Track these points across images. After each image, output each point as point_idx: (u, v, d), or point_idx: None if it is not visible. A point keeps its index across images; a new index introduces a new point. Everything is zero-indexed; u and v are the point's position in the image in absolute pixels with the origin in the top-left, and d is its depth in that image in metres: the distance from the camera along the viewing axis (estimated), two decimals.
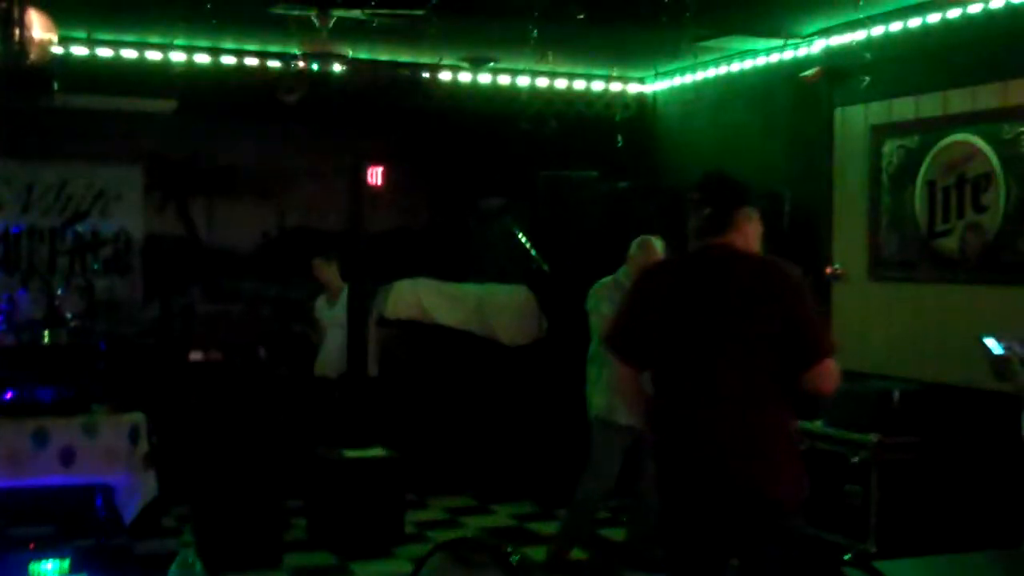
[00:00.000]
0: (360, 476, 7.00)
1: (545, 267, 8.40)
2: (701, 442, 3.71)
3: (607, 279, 6.74)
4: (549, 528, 7.69)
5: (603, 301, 6.55)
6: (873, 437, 6.45)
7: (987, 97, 6.47)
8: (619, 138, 9.05)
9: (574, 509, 6.80)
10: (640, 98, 9.45)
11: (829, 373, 3.82)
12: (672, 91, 9.26)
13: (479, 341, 8.90)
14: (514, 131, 8.84)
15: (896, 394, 6.60)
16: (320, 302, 8.15)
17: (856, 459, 6.53)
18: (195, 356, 6.58)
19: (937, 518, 6.34)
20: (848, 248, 7.47)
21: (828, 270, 7.53)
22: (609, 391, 6.23)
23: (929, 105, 6.84)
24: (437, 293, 8.98)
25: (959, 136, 6.65)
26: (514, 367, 8.83)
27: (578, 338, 8.56)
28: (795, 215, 7.88)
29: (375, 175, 9.70)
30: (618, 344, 3.94)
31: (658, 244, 6.53)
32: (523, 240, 8.59)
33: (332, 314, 8.01)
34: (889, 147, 7.14)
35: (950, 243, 6.71)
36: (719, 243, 3.87)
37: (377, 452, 7.15)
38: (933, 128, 6.81)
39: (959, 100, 6.64)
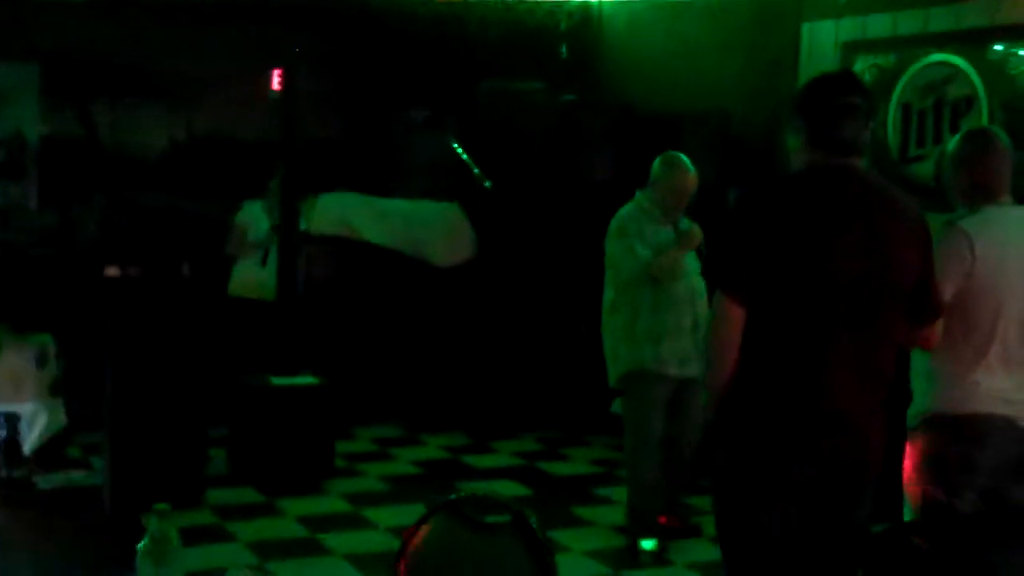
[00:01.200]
0: (288, 405, 6.45)
1: (487, 184, 7.84)
2: (817, 401, 3.11)
3: (626, 209, 5.67)
4: (484, 461, 7.26)
5: (635, 239, 5.47)
6: None
7: (974, 15, 6.07)
8: (563, 48, 8.49)
9: (637, 493, 5.58)
10: (585, 6, 8.88)
11: (937, 332, 3.36)
12: (620, 0, 8.71)
13: (408, 261, 8.36)
14: (451, 37, 8.25)
15: None
16: (253, 212, 7.40)
17: None
18: (111, 272, 5.90)
19: None
20: None
21: None
22: (659, 339, 5.47)
23: (908, 22, 6.42)
24: (365, 209, 8.39)
25: (940, 56, 6.26)
26: (445, 289, 8.32)
27: (521, 258, 8.12)
28: (750, 136, 7.47)
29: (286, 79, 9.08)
30: (738, 283, 3.11)
31: (687, 162, 5.69)
32: (461, 154, 8.01)
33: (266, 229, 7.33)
34: (861, 66, 6.72)
35: (924, 169, 6.35)
36: (857, 166, 3.21)
37: (306, 380, 6.60)
38: (911, 46, 6.41)
39: (941, 18, 6.24)
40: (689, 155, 7.98)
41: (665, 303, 5.48)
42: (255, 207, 7.49)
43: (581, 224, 8.20)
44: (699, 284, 5.52)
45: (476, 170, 7.88)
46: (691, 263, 5.56)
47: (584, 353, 8.31)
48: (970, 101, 6.07)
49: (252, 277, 7.19)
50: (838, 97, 3.19)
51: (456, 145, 8.02)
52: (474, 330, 8.18)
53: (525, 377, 8.13)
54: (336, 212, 8.24)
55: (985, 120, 5.98)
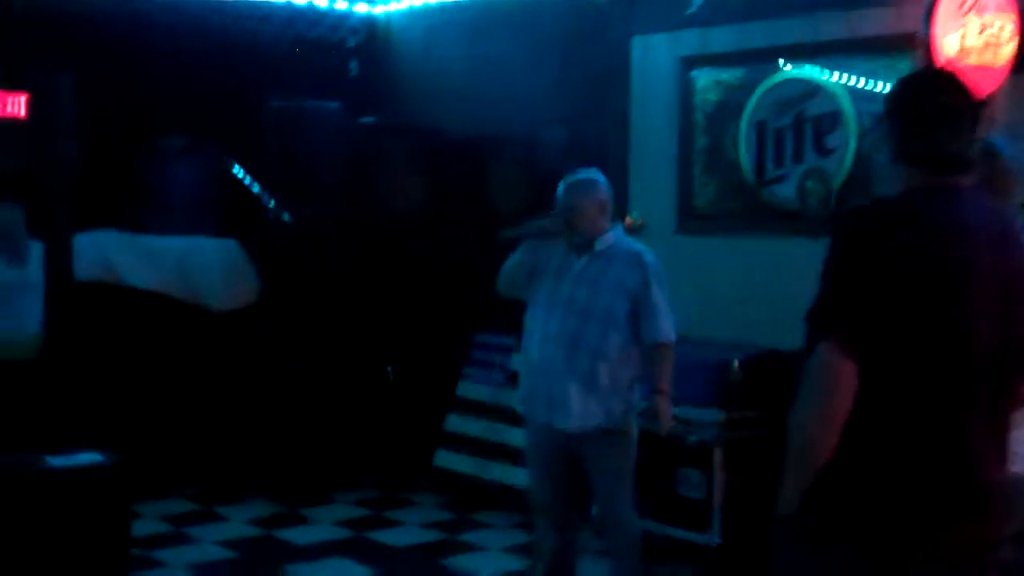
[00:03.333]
0: (72, 490, 5.23)
1: (286, 216, 6.86)
2: (962, 476, 2.50)
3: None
4: (303, 535, 6.28)
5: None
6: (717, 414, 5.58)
7: (830, 26, 5.72)
8: (352, 66, 7.63)
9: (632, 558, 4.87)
10: (371, 21, 8.05)
11: None
12: (412, 14, 7.93)
13: (183, 307, 7.25)
14: (231, 52, 7.23)
15: (735, 363, 5.75)
16: None
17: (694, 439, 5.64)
18: None
19: None
20: (649, 197, 6.54)
21: (627, 221, 6.57)
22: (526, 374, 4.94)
23: (757, 34, 6.01)
24: (130, 249, 7.22)
25: (797, 70, 5.87)
26: (229, 337, 7.26)
27: (318, 297, 7.17)
28: (576, 159, 6.87)
29: (14, 104, 7.83)
30: (850, 329, 2.49)
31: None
32: (249, 184, 6.99)
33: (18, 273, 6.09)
34: (704, 82, 6.27)
35: (785, 191, 5.94)
36: (969, 186, 2.61)
37: (91, 457, 5.39)
38: (761, 60, 6.00)
39: (794, 29, 5.85)
40: (497, 182, 7.26)
41: (534, 332, 4.82)
42: None
43: (386, 258, 7.37)
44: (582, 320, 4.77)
45: (271, 201, 6.88)
46: (583, 293, 4.82)
47: (395, 399, 7.48)
48: (835, 117, 5.70)
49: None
50: (937, 98, 2.56)
51: (242, 172, 6.99)
52: (266, 381, 7.17)
53: (330, 430, 7.20)
54: (95, 254, 7.01)
55: (854, 138, 5.63)
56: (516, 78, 7.13)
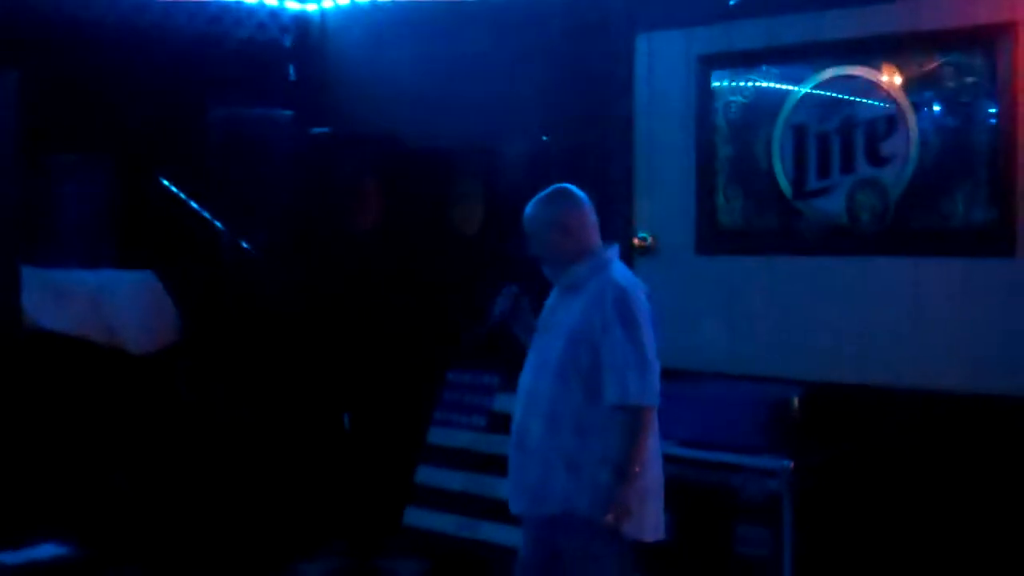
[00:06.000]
0: None
1: (242, 242, 5.82)
2: None
3: None
4: None
5: None
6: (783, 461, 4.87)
7: (887, 19, 5.10)
8: (291, 69, 6.65)
9: None
10: (303, 19, 7.07)
11: None
12: (354, 10, 6.97)
13: (97, 351, 6.14)
14: (154, 51, 6.16)
15: (794, 400, 5.07)
16: None
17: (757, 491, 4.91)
18: None
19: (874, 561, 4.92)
20: (661, 214, 5.81)
21: (635, 242, 5.83)
22: None
23: (793, 29, 5.36)
24: (39, 287, 6.04)
25: (843, 69, 5.24)
26: (155, 385, 6.20)
27: (262, 333, 6.17)
28: (567, 172, 6.09)
29: None
30: None
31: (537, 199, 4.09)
32: (190, 203, 5.93)
33: None
34: (728, 83, 5.58)
35: (831, 205, 5.29)
36: None
37: (51, 551, 4.30)
38: (800, 58, 5.35)
39: (843, 23, 5.22)
40: (470, 199, 6.47)
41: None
42: None
43: (342, 285, 6.42)
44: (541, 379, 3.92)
45: (217, 223, 5.84)
46: (544, 340, 3.98)
47: (353, 450, 6.51)
48: (891, 121, 5.09)
49: None
50: None
51: (176, 189, 5.91)
52: (202, 434, 6.12)
53: (281, 490, 6.20)
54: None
55: (916, 145, 5.02)
56: (494, 82, 6.29)
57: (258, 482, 6.14)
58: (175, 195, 5.83)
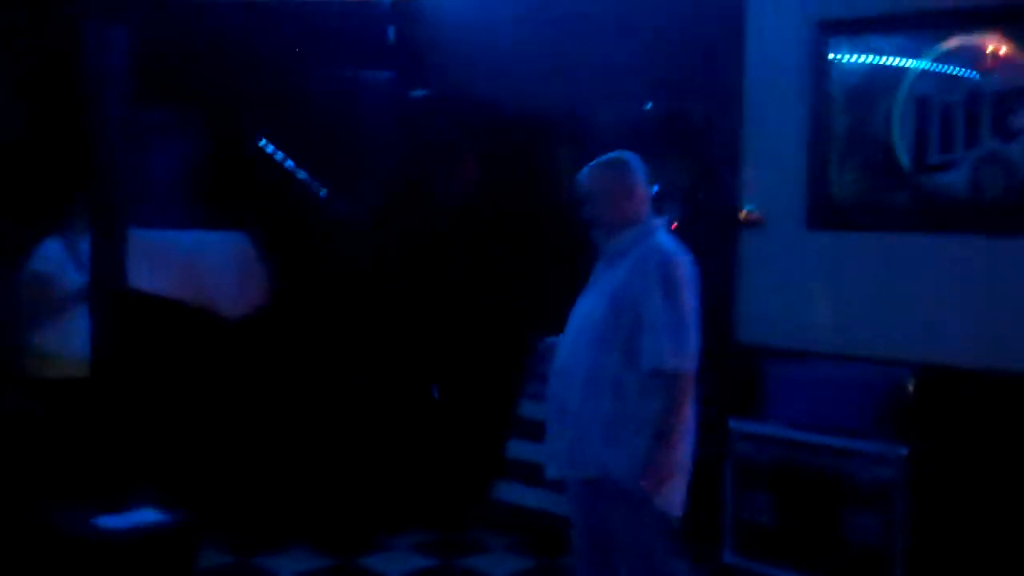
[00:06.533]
0: (132, 561, 4.08)
1: (341, 206, 5.71)
2: None
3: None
4: None
5: None
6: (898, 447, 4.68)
7: None
8: (390, 31, 6.50)
9: None
10: None
11: None
12: None
13: (190, 314, 6.08)
14: (244, 11, 6.04)
15: (910, 383, 4.86)
16: (51, 251, 5.02)
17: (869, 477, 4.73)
18: None
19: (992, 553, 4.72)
20: (770, 187, 5.60)
21: (741, 215, 5.64)
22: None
23: None
24: (137, 250, 5.99)
25: (971, 39, 4.99)
26: (244, 351, 6.12)
27: (358, 299, 6.08)
28: (672, 141, 5.92)
29: None
30: None
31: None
32: (287, 165, 5.82)
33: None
34: (846, 52, 5.34)
35: (954, 179, 5.05)
36: None
37: (150, 516, 4.24)
38: (927, 25, 5.10)
39: None
40: (569, 167, 6.30)
41: None
42: (55, 247, 5.10)
43: (435, 252, 6.29)
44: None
45: (316, 185, 5.73)
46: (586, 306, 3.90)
47: (442, 422, 6.41)
48: (1022, 94, 4.83)
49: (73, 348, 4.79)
50: None
51: (273, 150, 5.80)
52: (292, 405, 6.04)
53: (371, 462, 6.10)
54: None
55: None
56: (597, 46, 6.09)
57: (345, 451, 6.05)
58: (272, 156, 5.70)
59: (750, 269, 5.57)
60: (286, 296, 6.21)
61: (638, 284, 3.68)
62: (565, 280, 4.27)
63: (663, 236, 3.86)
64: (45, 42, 5.52)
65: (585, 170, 3.97)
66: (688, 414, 3.70)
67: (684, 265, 3.73)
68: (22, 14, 5.51)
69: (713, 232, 5.67)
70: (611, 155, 3.98)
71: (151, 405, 5.21)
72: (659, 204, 6.42)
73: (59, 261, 5.11)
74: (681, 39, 5.84)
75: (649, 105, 5.92)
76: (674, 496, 3.69)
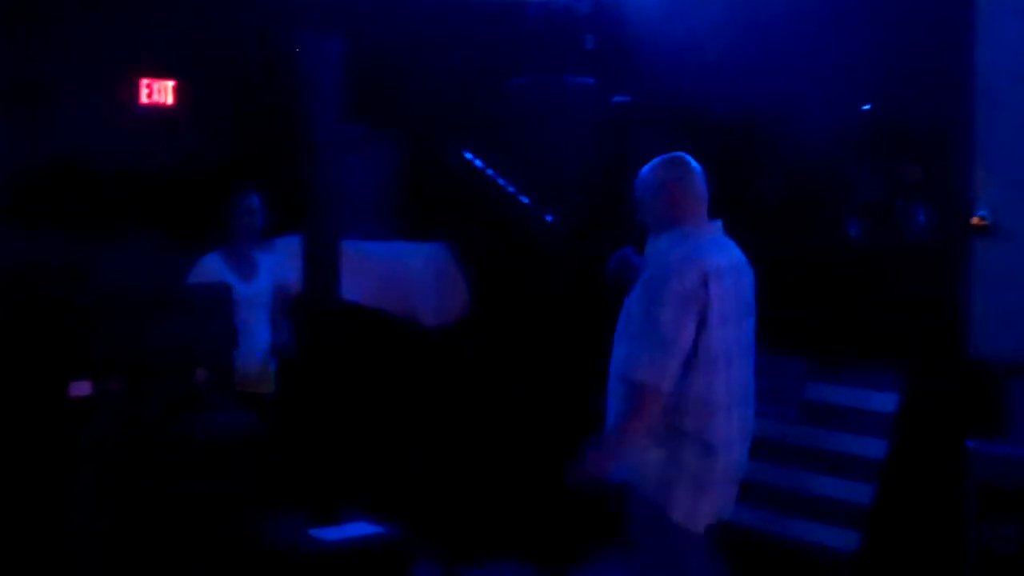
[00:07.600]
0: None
1: (546, 216, 5.57)
2: None
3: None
4: None
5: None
6: None
7: None
8: (588, 38, 6.33)
9: None
10: None
11: None
12: None
13: (391, 324, 6.05)
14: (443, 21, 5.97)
15: None
16: (212, 265, 5.02)
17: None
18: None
19: None
20: (1009, 191, 5.19)
21: (975, 221, 5.25)
22: None
23: None
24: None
25: None
26: (442, 358, 6.03)
27: (591, 310, 5.91)
28: (895, 143, 5.58)
29: (160, 91, 6.84)
30: None
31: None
32: (489, 174, 5.71)
33: (249, 289, 4.91)
34: None
35: None
36: None
37: (367, 529, 4.14)
38: None
39: None
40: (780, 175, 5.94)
41: None
42: (213, 261, 5.09)
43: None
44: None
45: (521, 196, 5.59)
46: None
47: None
48: None
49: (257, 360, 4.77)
50: None
51: (481, 164, 5.69)
52: (483, 419, 5.91)
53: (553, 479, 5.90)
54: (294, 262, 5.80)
55: None
56: (806, 45, 5.79)
57: (533, 469, 5.89)
58: (473, 166, 5.60)
59: (987, 279, 5.17)
60: (487, 307, 6.11)
61: (636, 292, 3.73)
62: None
63: (690, 244, 3.70)
64: (259, 54, 5.56)
65: (641, 171, 3.93)
66: (723, 432, 3.64)
67: (679, 279, 3.59)
68: (237, 26, 5.56)
69: (940, 239, 5.32)
70: (667, 155, 3.92)
71: (359, 416, 5.14)
72: (871, 209, 6.06)
73: (219, 273, 5.07)
74: (901, 31, 5.50)
75: (868, 107, 5.57)
76: (694, 510, 3.64)
